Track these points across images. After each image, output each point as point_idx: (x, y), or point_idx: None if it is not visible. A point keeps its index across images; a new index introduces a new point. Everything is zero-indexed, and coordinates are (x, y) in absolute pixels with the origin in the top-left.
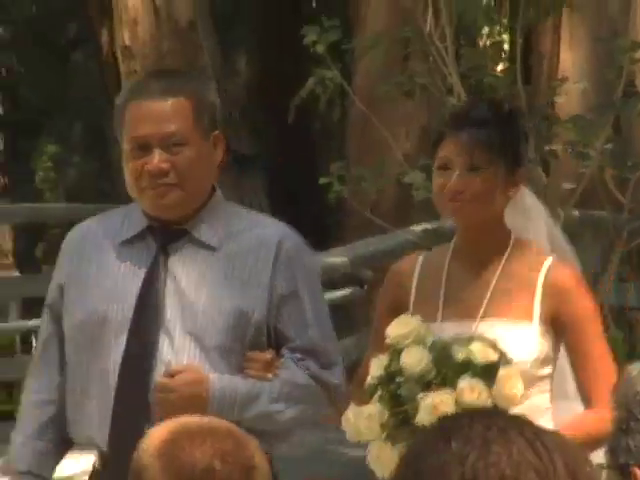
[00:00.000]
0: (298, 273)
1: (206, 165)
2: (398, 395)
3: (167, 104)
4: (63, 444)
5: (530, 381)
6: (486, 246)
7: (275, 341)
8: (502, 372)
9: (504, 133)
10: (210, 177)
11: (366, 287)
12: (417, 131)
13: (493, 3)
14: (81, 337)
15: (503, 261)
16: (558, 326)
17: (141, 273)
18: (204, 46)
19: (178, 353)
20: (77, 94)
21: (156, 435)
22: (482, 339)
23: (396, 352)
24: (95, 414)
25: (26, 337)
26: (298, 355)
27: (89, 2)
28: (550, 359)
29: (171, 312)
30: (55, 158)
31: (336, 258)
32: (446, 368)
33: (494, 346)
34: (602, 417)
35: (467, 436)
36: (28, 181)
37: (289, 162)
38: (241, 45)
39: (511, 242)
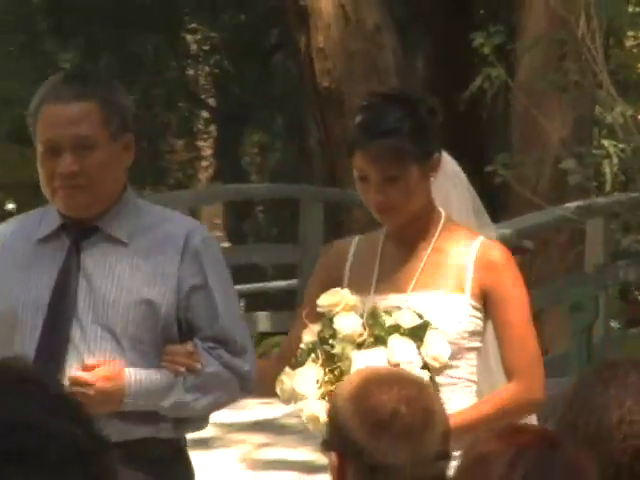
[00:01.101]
0: (206, 265)
1: (115, 167)
2: (332, 355)
3: (76, 108)
4: None
5: (459, 352)
6: (417, 228)
7: (187, 331)
8: (429, 333)
9: (412, 136)
10: (120, 178)
11: (528, 254)
12: (571, 121)
13: (638, 10)
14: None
15: (434, 239)
16: (487, 301)
17: (55, 271)
18: (387, 46)
19: (90, 345)
20: (278, 90)
21: (349, 381)
22: (409, 308)
23: (328, 320)
24: None
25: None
26: (210, 344)
27: (289, 11)
28: (480, 333)
29: (83, 306)
30: (260, 145)
31: (504, 230)
32: (377, 329)
33: (420, 315)
34: (517, 391)
35: (624, 384)
36: (236, 165)
37: (461, 149)
38: (419, 46)
39: (442, 222)
